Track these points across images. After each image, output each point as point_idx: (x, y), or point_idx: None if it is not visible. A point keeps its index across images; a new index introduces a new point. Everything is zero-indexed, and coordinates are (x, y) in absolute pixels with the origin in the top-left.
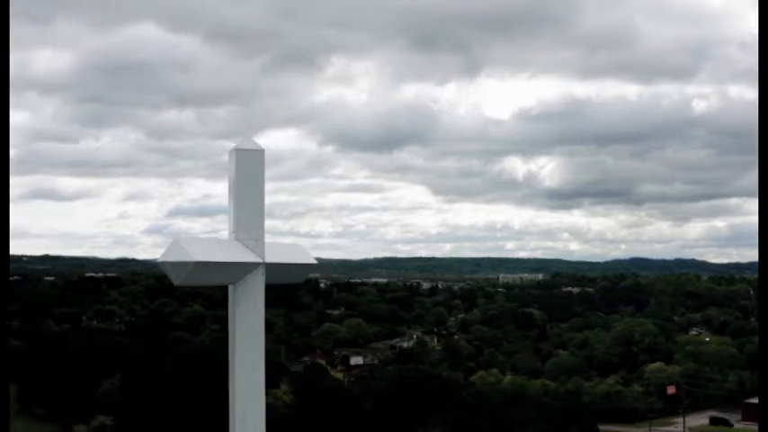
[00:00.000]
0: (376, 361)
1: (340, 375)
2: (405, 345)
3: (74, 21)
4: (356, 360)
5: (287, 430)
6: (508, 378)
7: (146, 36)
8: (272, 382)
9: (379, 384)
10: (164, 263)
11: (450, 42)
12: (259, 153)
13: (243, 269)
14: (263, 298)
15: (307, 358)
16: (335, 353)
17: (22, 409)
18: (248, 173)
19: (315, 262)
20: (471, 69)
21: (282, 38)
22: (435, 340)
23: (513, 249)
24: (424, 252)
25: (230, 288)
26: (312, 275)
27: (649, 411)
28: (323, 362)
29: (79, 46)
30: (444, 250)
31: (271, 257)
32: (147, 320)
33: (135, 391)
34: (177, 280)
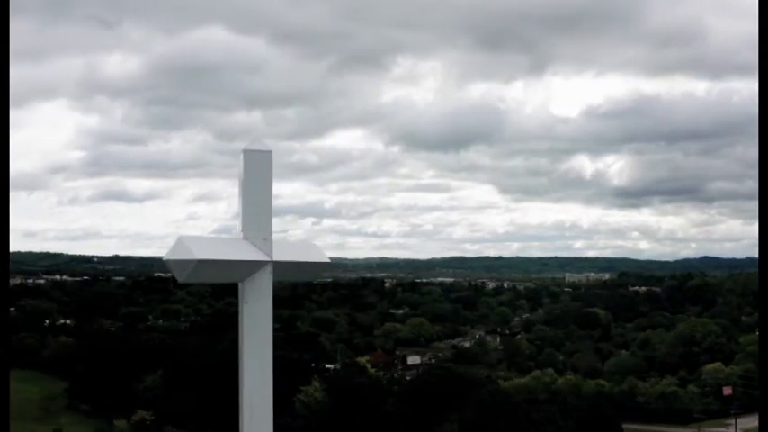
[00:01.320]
0: (433, 360)
1: (379, 374)
2: (466, 344)
3: (142, 25)
4: (413, 359)
5: (315, 425)
6: (563, 378)
7: (213, 39)
8: (305, 379)
9: (403, 382)
10: (168, 261)
11: (515, 41)
12: (267, 154)
13: (250, 267)
14: (270, 295)
15: (366, 357)
16: (397, 352)
17: (70, 405)
18: (256, 173)
19: (327, 261)
20: (537, 68)
21: (348, 39)
22: (498, 340)
23: (581, 249)
24: (491, 251)
25: (240, 285)
26: (377, 275)
27: (704, 412)
28: (364, 360)
29: (148, 49)
30: (512, 250)
31: (279, 256)
32: (210, 319)
33: (175, 388)
34: (181, 277)
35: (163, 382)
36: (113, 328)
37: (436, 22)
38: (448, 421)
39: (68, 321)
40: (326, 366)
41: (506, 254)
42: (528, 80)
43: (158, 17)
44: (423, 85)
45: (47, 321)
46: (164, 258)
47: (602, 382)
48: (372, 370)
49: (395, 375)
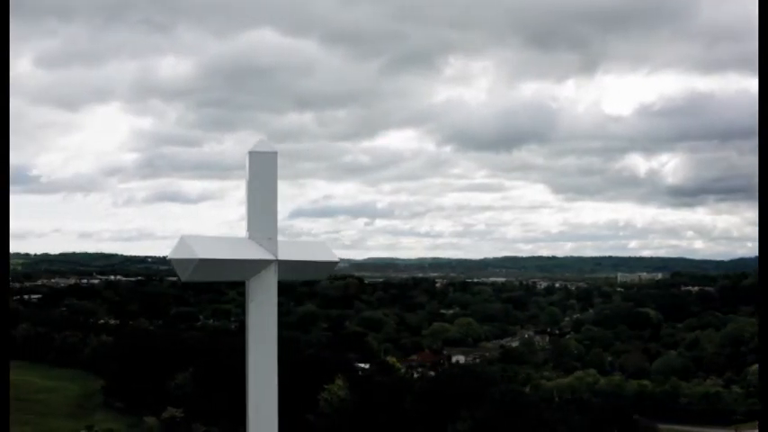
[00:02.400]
0: (478, 360)
1: (406, 373)
2: (514, 344)
3: (194, 28)
4: (458, 359)
5: (337, 423)
6: (605, 378)
7: (264, 41)
8: (329, 378)
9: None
10: (171, 260)
11: (566, 39)
12: (272, 155)
13: (255, 266)
14: (275, 293)
15: (414, 357)
16: (444, 352)
17: (106, 402)
18: (262, 174)
19: (335, 260)
20: (589, 66)
21: (399, 39)
22: (546, 340)
23: (635, 248)
24: (544, 251)
25: (246, 284)
26: (429, 275)
27: (747, 414)
28: (395, 359)
29: (200, 52)
30: (565, 249)
31: (284, 255)
32: None
33: (206, 386)
34: (184, 276)
35: (193, 381)
36: (152, 327)
37: (487, 21)
38: (461, 420)
39: (111, 321)
40: (359, 365)
41: (560, 253)
42: (580, 79)
43: (210, 20)
44: (474, 85)
45: (90, 321)
46: (168, 257)
47: (644, 382)
48: (401, 369)
49: (414, 375)
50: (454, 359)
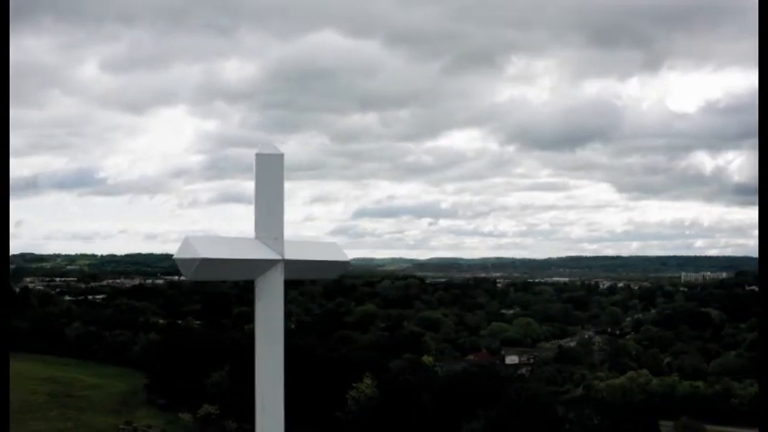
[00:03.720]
0: (532, 360)
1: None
2: (572, 345)
3: (257, 31)
4: (512, 359)
5: (363, 420)
6: (657, 379)
7: (327, 43)
8: (356, 376)
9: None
10: (176, 259)
11: (629, 37)
12: (278, 157)
13: (261, 265)
14: (282, 292)
15: (471, 357)
16: (502, 352)
17: (148, 399)
18: (269, 176)
19: (345, 259)
20: (653, 63)
21: (462, 39)
22: (606, 340)
23: (701, 247)
24: (609, 251)
25: (255, 283)
26: (492, 275)
27: None
28: (430, 358)
29: (263, 55)
30: (630, 249)
31: (291, 255)
32: (319, 319)
33: (241, 383)
34: (188, 275)
35: (229, 378)
36: (198, 326)
37: (549, 20)
38: (476, 419)
39: (159, 320)
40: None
41: (625, 253)
42: (643, 76)
43: (273, 23)
44: (537, 84)
45: (140, 320)
46: (173, 257)
47: (697, 383)
48: (438, 368)
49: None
50: (508, 360)
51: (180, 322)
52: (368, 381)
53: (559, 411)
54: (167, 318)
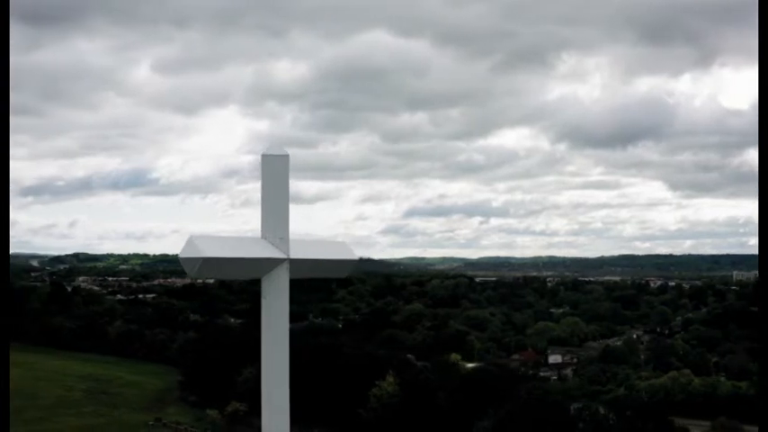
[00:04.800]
0: (575, 360)
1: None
2: (618, 344)
3: (308, 32)
4: (555, 359)
5: (383, 417)
6: (699, 379)
7: (377, 42)
8: (379, 374)
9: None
10: (179, 258)
11: (681, 33)
12: (284, 158)
13: (266, 264)
14: (287, 291)
15: (517, 356)
16: (548, 352)
17: (182, 396)
18: (274, 176)
19: (353, 258)
20: (705, 60)
21: (511, 37)
22: (653, 339)
23: (756, 246)
24: (662, 249)
25: (261, 282)
26: (543, 274)
27: None
28: (458, 357)
29: (314, 55)
30: (683, 247)
31: (296, 254)
32: (367, 318)
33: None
34: (191, 273)
35: (258, 376)
36: (237, 324)
37: (599, 17)
38: (487, 417)
39: (198, 318)
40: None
41: (677, 251)
42: (695, 73)
43: (323, 24)
44: (588, 82)
45: (180, 318)
46: (178, 256)
47: (740, 383)
48: (467, 367)
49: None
50: (551, 359)
51: (219, 321)
52: (390, 379)
53: (571, 410)
54: (206, 316)
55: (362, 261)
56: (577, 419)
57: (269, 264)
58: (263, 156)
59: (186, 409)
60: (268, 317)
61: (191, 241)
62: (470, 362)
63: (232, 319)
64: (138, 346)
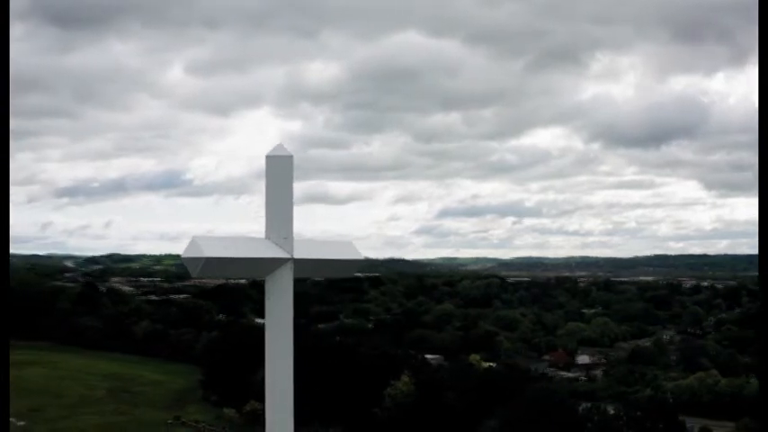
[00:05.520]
0: (604, 360)
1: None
2: (648, 345)
3: (340, 33)
4: (582, 359)
5: (397, 417)
6: (726, 380)
7: (409, 43)
8: (395, 374)
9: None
10: (182, 258)
11: (714, 31)
12: (288, 159)
13: (270, 264)
14: (291, 290)
15: (547, 357)
16: (579, 352)
17: (204, 395)
18: (278, 177)
19: (359, 258)
20: (739, 58)
21: (544, 36)
22: (684, 340)
23: None
24: (697, 249)
25: (265, 281)
26: (576, 274)
27: None
28: (477, 357)
29: (346, 56)
30: (718, 247)
31: (300, 254)
32: (398, 318)
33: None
34: (194, 273)
35: None
36: (259, 324)
37: (632, 15)
38: (494, 417)
39: (222, 318)
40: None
41: (712, 251)
42: (730, 71)
43: (355, 24)
44: (622, 81)
45: (205, 318)
46: (181, 256)
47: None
48: (483, 366)
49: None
50: (579, 359)
51: (243, 321)
52: (405, 378)
53: (580, 410)
54: (231, 316)
55: (395, 261)
56: (585, 420)
57: (272, 264)
58: (267, 157)
59: (207, 407)
60: (272, 317)
61: (193, 242)
62: (496, 362)
63: (257, 319)
64: (164, 345)
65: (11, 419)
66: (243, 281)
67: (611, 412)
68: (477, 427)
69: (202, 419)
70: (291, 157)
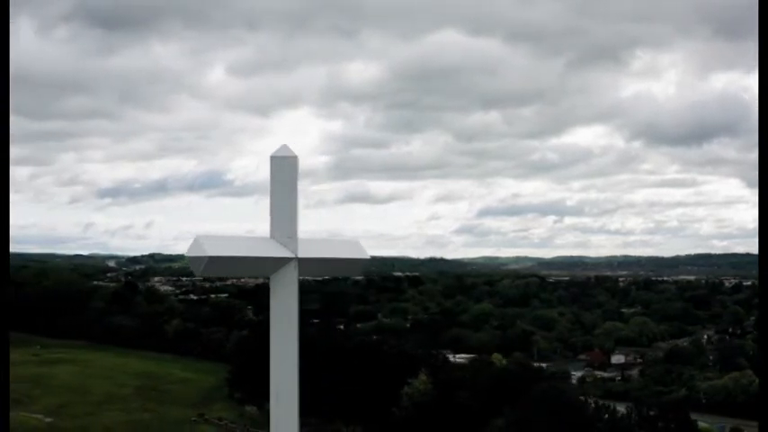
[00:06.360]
0: (639, 360)
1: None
2: (686, 344)
3: (379, 33)
4: (617, 359)
5: (414, 415)
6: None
7: (448, 42)
8: (414, 373)
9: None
10: (186, 257)
11: (756, 28)
12: (293, 159)
13: (274, 263)
14: (296, 289)
15: (584, 356)
16: (615, 351)
17: (230, 393)
18: (283, 177)
19: (365, 257)
20: None
21: (584, 35)
22: (723, 339)
23: None
24: (739, 248)
25: (269, 280)
26: (617, 273)
27: None
28: (499, 356)
29: (386, 56)
30: None
31: (305, 253)
32: (434, 317)
33: (310, 380)
34: (197, 272)
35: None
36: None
37: (673, 13)
38: (503, 416)
39: (252, 317)
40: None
41: (755, 250)
42: None
43: (395, 24)
44: (663, 78)
45: (236, 317)
46: (185, 255)
47: None
48: (503, 363)
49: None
50: (614, 359)
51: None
52: (423, 377)
53: (589, 410)
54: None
55: (435, 261)
56: (595, 419)
57: (276, 263)
58: (272, 157)
59: (232, 405)
60: (277, 316)
61: (197, 241)
62: (534, 362)
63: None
64: (195, 344)
65: (38, 416)
66: None
67: (624, 411)
68: (487, 427)
69: (226, 417)
70: (296, 157)
